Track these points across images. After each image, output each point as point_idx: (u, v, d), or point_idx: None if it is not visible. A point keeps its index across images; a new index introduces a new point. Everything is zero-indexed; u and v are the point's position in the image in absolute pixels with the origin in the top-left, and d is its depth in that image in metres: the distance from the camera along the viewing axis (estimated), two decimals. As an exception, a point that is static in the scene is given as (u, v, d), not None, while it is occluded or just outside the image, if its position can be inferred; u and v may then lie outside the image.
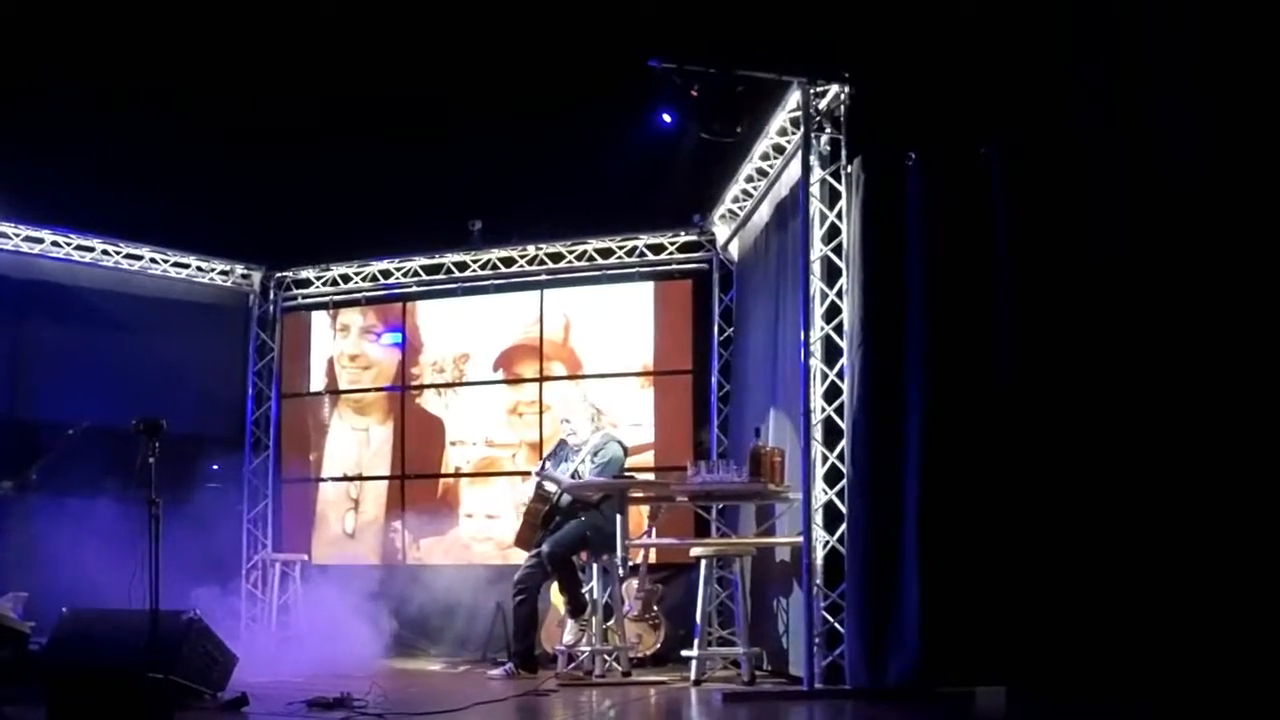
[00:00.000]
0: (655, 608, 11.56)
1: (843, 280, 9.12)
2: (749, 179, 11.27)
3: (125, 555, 10.01)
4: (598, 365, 13.24)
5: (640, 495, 10.85)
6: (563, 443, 11.04)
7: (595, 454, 10.67)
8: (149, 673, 7.68)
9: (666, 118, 9.77)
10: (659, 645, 11.47)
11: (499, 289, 13.73)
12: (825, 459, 9.03)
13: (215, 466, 13.75)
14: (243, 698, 8.53)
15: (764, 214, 11.15)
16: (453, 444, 13.77)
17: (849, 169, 9.17)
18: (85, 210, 12.85)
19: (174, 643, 8.28)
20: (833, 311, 9.18)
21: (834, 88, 9.28)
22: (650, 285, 13.15)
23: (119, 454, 11.06)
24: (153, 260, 13.77)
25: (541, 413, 13.27)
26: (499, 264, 13.72)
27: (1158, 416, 7.98)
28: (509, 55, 12.45)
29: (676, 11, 10.92)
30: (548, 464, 10.90)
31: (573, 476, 10.61)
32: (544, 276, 13.56)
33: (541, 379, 13.40)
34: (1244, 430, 7.69)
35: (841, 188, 9.24)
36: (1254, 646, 7.42)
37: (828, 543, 8.92)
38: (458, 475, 13.72)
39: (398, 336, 14.19)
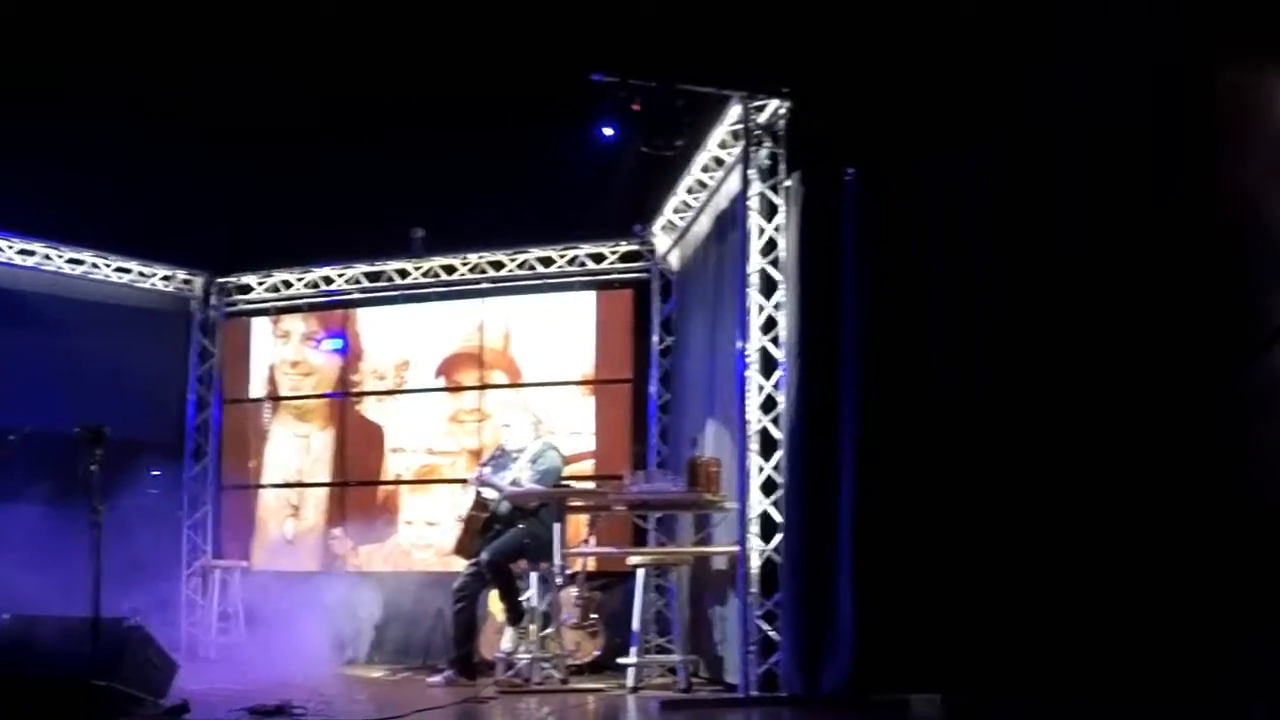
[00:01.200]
0: (594, 615, 11.62)
1: (780, 293, 9.24)
2: (689, 190, 11.36)
3: (66, 561, 10.07)
4: (538, 374, 13.33)
5: (578, 504, 10.93)
6: (501, 449, 11.07)
7: (534, 461, 10.72)
8: (91, 680, 7.74)
9: (608, 131, 9.84)
10: (598, 652, 11.52)
11: (440, 297, 13.82)
12: (761, 469, 9.15)
13: (156, 472, 13.74)
14: (184, 705, 8.52)
15: (704, 225, 11.26)
16: (393, 451, 13.84)
17: (787, 183, 9.29)
18: (27, 214, 12.81)
19: (116, 650, 8.27)
20: (770, 324, 9.29)
21: (773, 102, 9.36)
22: (591, 294, 13.26)
23: (60, 459, 11.06)
24: (94, 265, 13.78)
25: (482, 421, 13.31)
26: (440, 271, 13.80)
27: (1087, 426, 8.11)
28: (453, 64, 12.51)
29: (619, 25, 11.02)
30: (485, 470, 10.94)
31: (511, 483, 10.67)
32: (485, 285, 13.63)
33: (482, 387, 13.48)
34: (1171, 445, 7.84)
35: (780, 201, 9.35)
36: (1189, 649, 7.56)
37: (763, 552, 9.04)
38: (398, 483, 13.78)
39: (339, 343, 14.23)
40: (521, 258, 13.48)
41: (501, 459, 10.98)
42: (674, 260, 12.64)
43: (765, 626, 8.92)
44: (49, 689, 7.98)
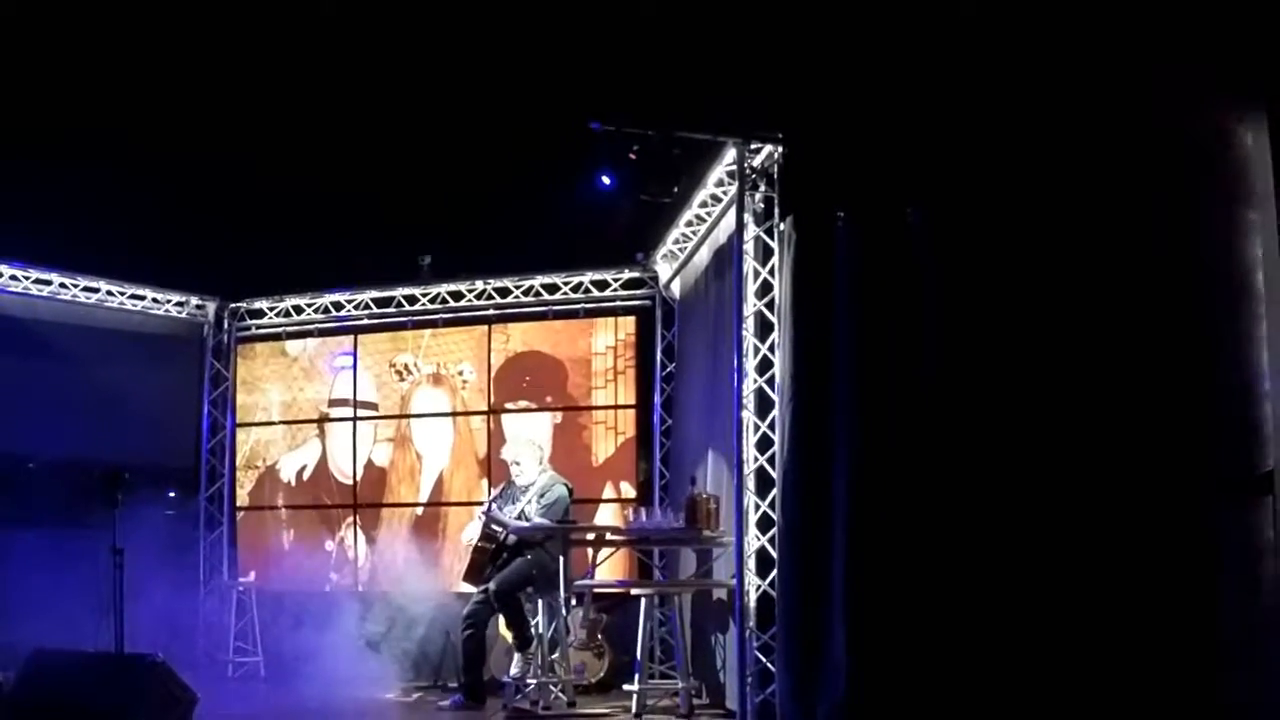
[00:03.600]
0: (600, 636, 11.94)
1: (775, 335, 9.50)
2: (689, 223, 11.65)
3: (83, 588, 10.42)
4: (543, 399, 13.63)
5: (583, 539, 11.26)
6: (510, 482, 11.37)
7: (541, 495, 11.02)
8: (114, 713, 8.03)
9: (606, 180, 10.06)
10: (603, 673, 11.85)
11: (447, 322, 14.11)
12: (758, 507, 9.44)
13: (172, 494, 14.04)
14: None
15: (704, 257, 11.53)
16: (404, 477, 14.15)
17: (781, 227, 9.47)
18: (43, 244, 13.07)
19: (138, 684, 8.55)
20: (765, 365, 9.56)
21: (768, 147, 9.60)
22: (595, 320, 13.54)
23: (80, 486, 11.46)
24: (109, 293, 14.05)
25: (490, 446, 13.60)
26: (448, 298, 14.09)
27: (1082, 462, 8.22)
28: (463, 101, 12.80)
29: (617, 73, 11.28)
30: (494, 504, 11.25)
31: (519, 516, 10.98)
32: (491, 311, 13.93)
33: (490, 411, 13.77)
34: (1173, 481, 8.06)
35: (774, 244, 9.59)
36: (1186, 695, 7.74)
37: (760, 587, 9.33)
38: (409, 505, 14.09)
39: (349, 360, 14.50)
40: (527, 284, 13.77)
41: (510, 491, 11.30)
42: (676, 289, 12.93)
43: (763, 658, 9.20)
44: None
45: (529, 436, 12.43)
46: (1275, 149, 7.90)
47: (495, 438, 13.53)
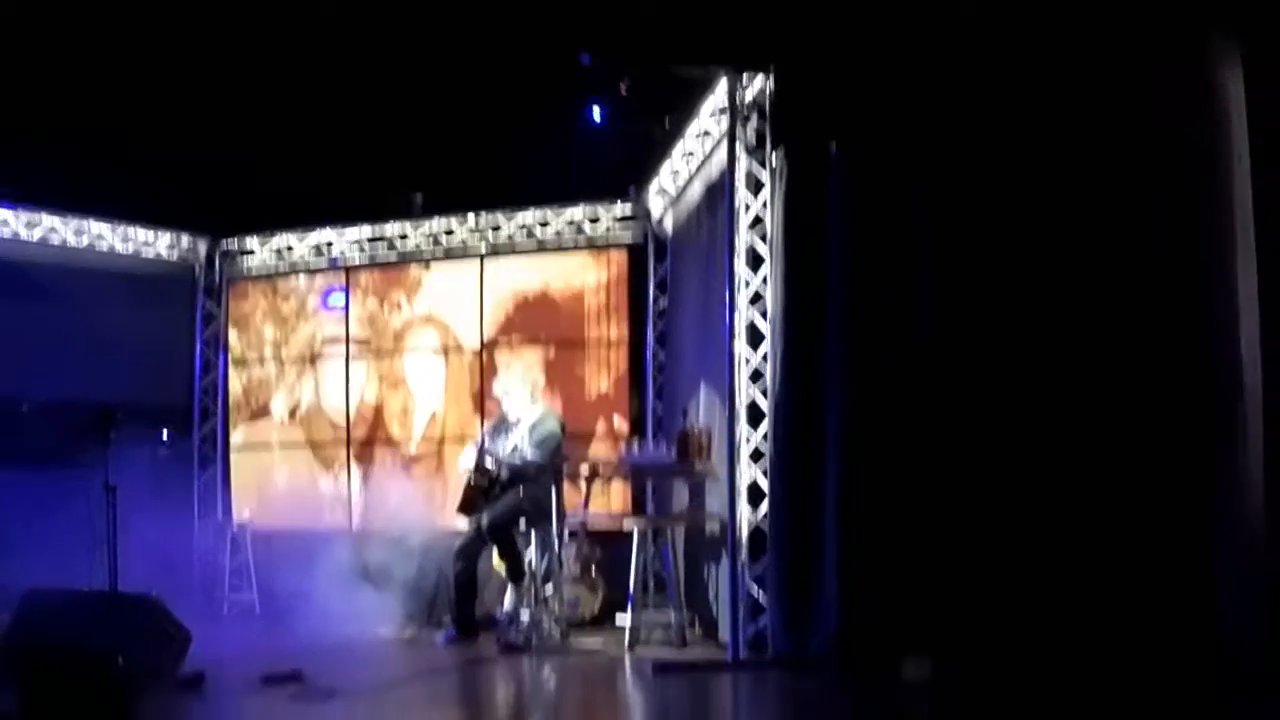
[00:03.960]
0: (593, 570, 11.96)
1: (766, 267, 9.49)
2: (682, 156, 11.58)
3: (77, 527, 10.42)
4: (536, 334, 13.60)
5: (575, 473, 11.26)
6: (503, 417, 11.39)
7: (533, 429, 11.03)
8: (109, 652, 8.03)
9: (597, 113, 10.03)
10: (597, 606, 11.87)
11: (439, 259, 14.06)
12: (749, 440, 9.44)
13: (166, 434, 14.02)
14: (199, 675, 8.78)
15: (696, 191, 11.47)
16: (399, 412, 14.14)
17: (773, 160, 9.48)
18: (31, 187, 13.05)
19: (132, 623, 8.55)
20: (757, 297, 9.55)
21: (760, 79, 9.55)
22: (587, 255, 13.49)
23: (73, 426, 11.45)
24: (100, 235, 14.05)
25: (483, 383, 13.59)
26: (439, 236, 14.03)
27: (1068, 397, 8.28)
28: (455, 36, 12.70)
29: (607, 4, 11.20)
30: (487, 438, 11.26)
31: (512, 450, 10.99)
32: (483, 248, 13.87)
33: (483, 348, 13.74)
34: (1156, 419, 8.08)
35: (766, 177, 9.57)
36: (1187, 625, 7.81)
37: (752, 520, 9.35)
38: (402, 442, 14.09)
39: (341, 298, 14.47)
40: (519, 219, 13.71)
41: (503, 425, 11.30)
42: (668, 224, 12.88)
43: (755, 590, 9.24)
44: (68, 662, 8.26)
45: (521, 370, 12.41)
46: (1250, 102, 7.95)
47: (488, 374, 13.48)
